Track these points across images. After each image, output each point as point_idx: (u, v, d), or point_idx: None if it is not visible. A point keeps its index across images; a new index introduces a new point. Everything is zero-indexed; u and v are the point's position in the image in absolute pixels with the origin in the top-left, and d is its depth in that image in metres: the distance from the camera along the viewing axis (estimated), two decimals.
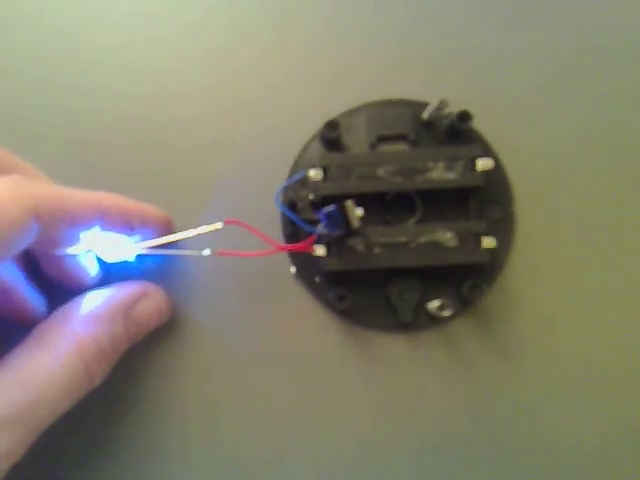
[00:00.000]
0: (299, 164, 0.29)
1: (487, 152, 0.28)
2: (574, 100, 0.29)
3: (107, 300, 0.25)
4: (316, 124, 0.28)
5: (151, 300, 0.26)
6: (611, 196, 0.29)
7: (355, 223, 0.24)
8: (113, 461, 0.28)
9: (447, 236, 0.26)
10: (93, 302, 0.25)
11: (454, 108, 0.27)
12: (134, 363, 0.28)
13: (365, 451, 0.27)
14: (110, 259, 0.26)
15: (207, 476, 0.28)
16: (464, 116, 0.27)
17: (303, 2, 0.30)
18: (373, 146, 0.28)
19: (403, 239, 0.26)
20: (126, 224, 0.25)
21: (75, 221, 0.23)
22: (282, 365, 0.28)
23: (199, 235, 0.25)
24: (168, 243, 0.26)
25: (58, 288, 0.26)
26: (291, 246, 0.27)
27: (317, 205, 0.27)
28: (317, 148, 0.29)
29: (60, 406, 0.22)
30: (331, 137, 0.27)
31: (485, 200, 0.28)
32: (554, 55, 0.30)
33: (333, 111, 0.29)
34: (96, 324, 0.24)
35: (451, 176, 0.26)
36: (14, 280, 0.25)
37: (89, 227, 0.24)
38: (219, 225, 0.25)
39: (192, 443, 0.28)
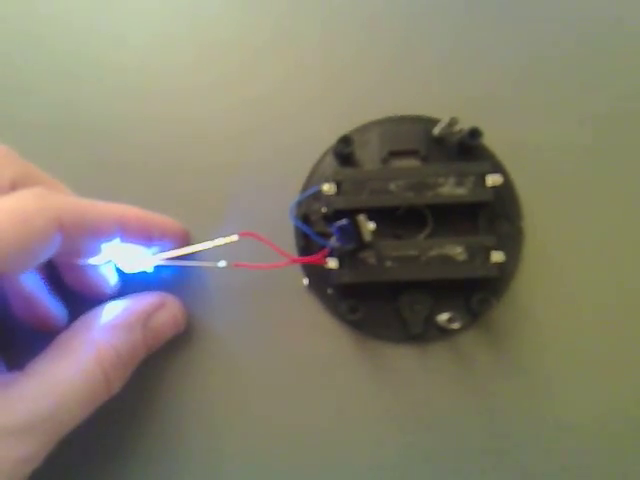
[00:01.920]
0: (313, 178, 0.29)
1: (497, 168, 0.28)
2: (583, 117, 0.30)
3: (126, 310, 0.26)
4: (330, 139, 0.29)
5: (168, 310, 0.27)
6: (620, 212, 0.29)
7: (367, 237, 0.25)
8: (129, 468, 0.28)
9: (457, 250, 0.27)
10: (112, 312, 0.25)
11: (464, 125, 0.27)
12: (150, 371, 0.28)
13: (374, 460, 0.28)
14: (129, 270, 0.27)
15: None
16: (474, 133, 0.27)
17: (317, 21, 0.31)
18: (385, 161, 0.29)
19: (414, 253, 0.27)
20: (145, 236, 0.26)
21: (97, 232, 0.24)
22: (294, 374, 0.28)
23: (215, 247, 0.26)
24: (185, 255, 0.26)
25: (78, 298, 0.27)
26: (304, 258, 0.27)
27: (330, 219, 0.27)
28: (330, 163, 0.29)
29: (80, 413, 0.23)
30: (344, 152, 0.28)
31: (494, 215, 0.28)
32: (565, 72, 0.30)
33: (346, 127, 0.29)
34: (115, 333, 0.25)
35: (461, 191, 0.27)
36: (37, 289, 0.26)
37: (110, 238, 0.24)
38: (235, 237, 0.26)
39: (206, 449, 0.28)
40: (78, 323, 0.25)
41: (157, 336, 0.27)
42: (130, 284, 0.28)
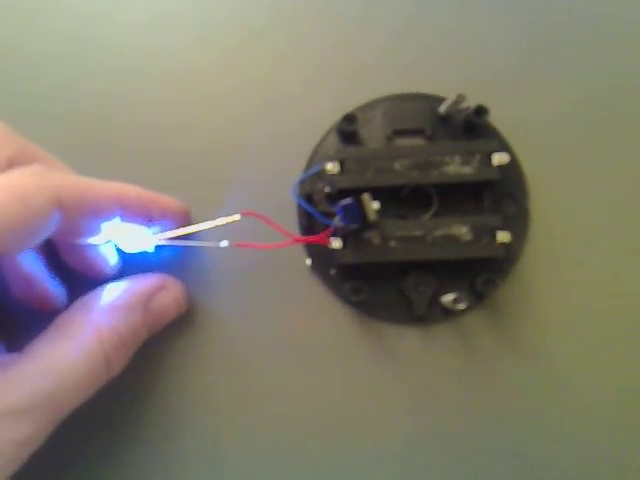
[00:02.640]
0: (316, 157, 0.29)
1: (503, 147, 0.28)
2: (590, 97, 0.29)
3: (127, 291, 0.25)
4: (333, 117, 0.29)
5: (169, 293, 0.27)
6: (627, 193, 0.29)
7: (371, 216, 0.24)
8: (129, 451, 0.28)
9: (462, 230, 0.26)
10: (113, 293, 0.25)
11: (470, 103, 0.27)
12: (151, 352, 0.28)
13: (377, 441, 0.28)
14: (129, 249, 0.26)
15: (221, 467, 0.28)
16: (480, 111, 0.27)
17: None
18: (389, 140, 0.28)
19: (419, 233, 0.26)
20: (146, 215, 0.26)
21: (97, 211, 0.23)
22: (296, 356, 0.28)
23: (217, 227, 0.25)
24: (186, 234, 0.26)
25: (78, 278, 0.27)
26: (308, 238, 0.27)
27: (333, 198, 0.27)
28: (334, 141, 0.29)
29: (80, 395, 0.23)
30: (348, 130, 0.28)
31: (500, 195, 0.28)
32: (570, 52, 0.30)
33: (350, 105, 0.29)
34: (116, 315, 0.24)
35: (467, 170, 0.26)
36: (36, 269, 0.25)
37: (110, 217, 0.24)
38: (237, 217, 0.25)
39: (207, 431, 0.28)
40: (78, 304, 0.25)
41: (158, 318, 0.26)
42: (130, 264, 0.28)
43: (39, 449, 0.22)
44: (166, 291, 0.27)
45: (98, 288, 0.26)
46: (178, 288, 0.27)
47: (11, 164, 0.23)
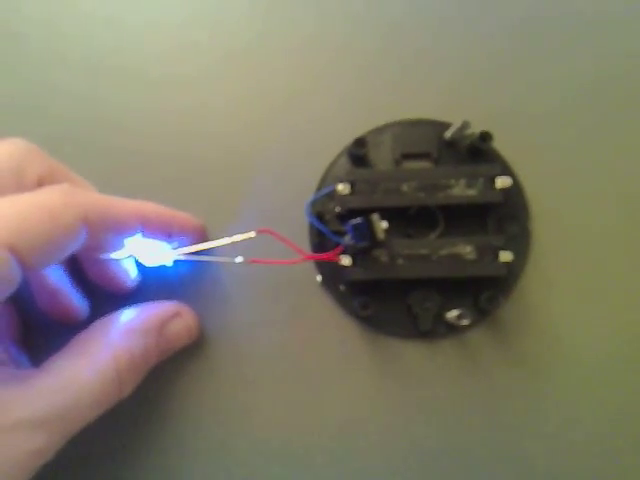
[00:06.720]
0: (327, 178, 0.30)
1: (506, 171, 0.29)
2: (590, 122, 0.31)
3: (143, 316, 0.26)
4: (344, 141, 0.30)
5: (183, 320, 0.28)
6: (625, 214, 0.30)
7: (380, 235, 0.26)
8: (141, 470, 0.29)
9: (467, 249, 0.27)
10: (130, 317, 0.26)
11: (475, 128, 0.28)
12: (162, 368, 0.28)
13: (382, 453, 0.29)
14: (149, 264, 0.27)
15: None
16: (485, 136, 0.28)
17: (335, 25, 0.32)
18: (398, 163, 0.30)
19: (425, 251, 0.27)
20: (166, 231, 0.27)
21: (120, 228, 0.24)
22: (305, 368, 0.29)
23: (232, 243, 0.26)
24: (204, 250, 0.27)
25: (100, 290, 0.28)
26: (319, 256, 0.28)
27: (344, 217, 0.28)
28: (345, 163, 0.30)
29: (92, 412, 0.23)
30: (358, 154, 0.29)
31: (503, 216, 0.29)
32: (572, 79, 0.31)
33: (361, 129, 0.30)
34: (131, 337, 0.25)
35: (471, 193, 0.28)
36: (61, 282, 0.26)
37: (132, 233, 0.25)
38: (252, 234, 0.26)
39: (216, 446, 0.29)
40: (97, 324, 0.25)
41: (170, 344, 0.27)
42: (150, 277, 0.29)
43: (48, 465, 0.22)
44: (180, 318, 0.28)
45: (117, 311, 0.26)
46: (192, 316, 0.28)
47: (40, 183, 0.24)
